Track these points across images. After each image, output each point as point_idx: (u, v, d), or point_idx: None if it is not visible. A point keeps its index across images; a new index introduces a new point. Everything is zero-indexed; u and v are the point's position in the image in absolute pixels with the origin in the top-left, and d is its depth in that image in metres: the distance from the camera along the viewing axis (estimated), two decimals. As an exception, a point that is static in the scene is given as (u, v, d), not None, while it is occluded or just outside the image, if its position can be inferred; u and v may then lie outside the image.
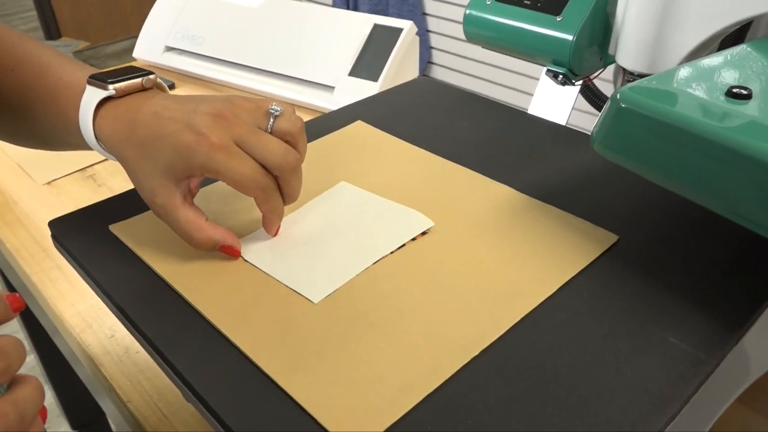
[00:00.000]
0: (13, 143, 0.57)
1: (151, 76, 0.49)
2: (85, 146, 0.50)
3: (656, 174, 0.41)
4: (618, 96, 0.43)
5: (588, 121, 0.96)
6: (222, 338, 0.39)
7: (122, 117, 0.46)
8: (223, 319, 0.40)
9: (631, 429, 0.32)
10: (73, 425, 1.42)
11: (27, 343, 1.32)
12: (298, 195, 0.47)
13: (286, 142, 0.45)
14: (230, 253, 0.45)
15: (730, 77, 0.44)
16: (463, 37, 0.69)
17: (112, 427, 0.70)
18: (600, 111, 0.82)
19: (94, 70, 0.50)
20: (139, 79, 0.48)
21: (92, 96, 0.47)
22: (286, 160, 0.44)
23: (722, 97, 0.41)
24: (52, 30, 2.92)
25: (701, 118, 0.39)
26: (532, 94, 0.85)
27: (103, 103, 0.47)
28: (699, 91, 0.42)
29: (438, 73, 2.28)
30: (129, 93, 0.48)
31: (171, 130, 0.44)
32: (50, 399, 1.40)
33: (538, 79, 0.88)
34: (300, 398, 0.35)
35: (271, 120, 0.45)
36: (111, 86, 0.47)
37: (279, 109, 0.45)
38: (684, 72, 0.45)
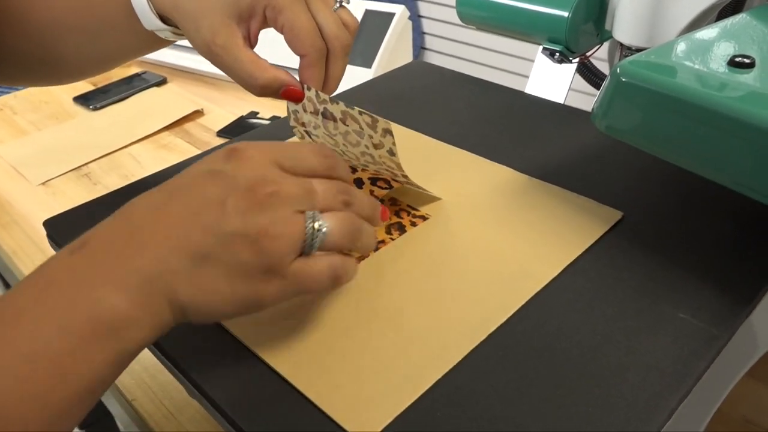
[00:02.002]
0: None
1: None
2: (134, 34, 0.48)
3: (660, 148, 0.41)
4: (618, 70, 0.42)
5: (584, 100, 0.95)
6: (225, 333, 0.38)
7: None
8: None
9: (645, 407, 0.32)
10: (79, 425, 1.41)
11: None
12: (337, 85, 0.46)
13: None
14: (294, 96, 0.43)
15: (731, 47, 0.43)
16: (456, 21, 0.68)
17: (119, 425, 0.69)
18: (597, 89, 0.81)
19: None
20: None
21: None
22: (344, 34, 0.44)
23: (724, 67, 0.40)
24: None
25: (704, 89, 0.38)
26: (527, 77, 0.85)
27: None
28: (700, 62, 0.41)
29: (432, 59, 2.26)
30: None
31: None
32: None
33: (533, 61, 0.87)
34: (306, 390, 0.34)
35: (337, 4, 0.44)
36: None
37: (347, 2, 0.44)
38: (684, 44, 0.44)
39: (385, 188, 0.45)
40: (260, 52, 0.45)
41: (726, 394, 0.46)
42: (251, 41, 0.45)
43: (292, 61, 0.45)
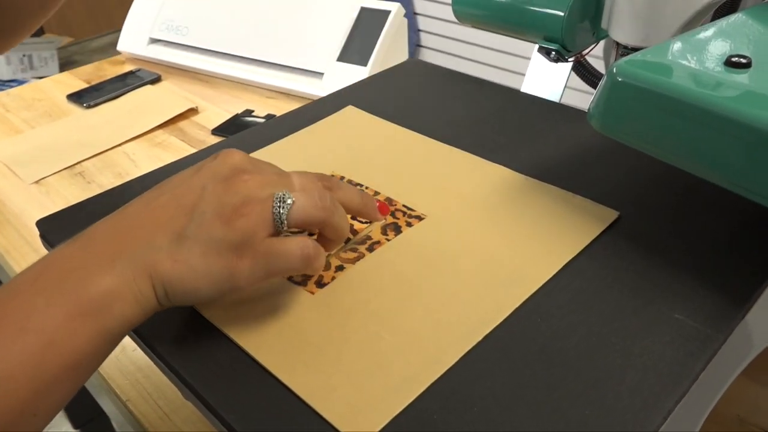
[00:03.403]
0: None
1: None
2: None
3: (656, 148, 0.40)
4: (614, 70, 0.42)
5: (580, 99, 0.94)
6: (218, 333, 0.38)
7: None
8: (218, 314, 0.39)
9: (642, 409, 0.32)
10: (74, 424, 1.41)
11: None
12: None
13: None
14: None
15: (727, 46, 0.42)
16: (451, 18, 0.68)
17: (114, 425, 0.69)
18: (593, 87, 0.81)
19: None
20: None
21: None
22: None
23: (721, 67, 0.40)
24: (34, 27, 2.88)
25: (701, 89, 0.38)
26: (523, 74, 0.84)
27: None
28: (697, 62, 0.41)
29: (427, 57, 2.25)
30: None
31: None
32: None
33: (528, 59, 0.87)
34: (301, 392, 0.34)
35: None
36: None
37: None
38: (680, 43, 0.44)
39: (365, 223, 0.45)
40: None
41: (721, 393, 0.46)
42: None
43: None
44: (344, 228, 0.39)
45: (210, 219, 0.34)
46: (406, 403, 0.33)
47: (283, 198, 0.36)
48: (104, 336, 0.33)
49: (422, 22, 2.31)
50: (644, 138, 0.41)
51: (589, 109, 0.44)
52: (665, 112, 0.39)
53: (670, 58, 0.42)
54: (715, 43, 0.43)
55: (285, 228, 0.36)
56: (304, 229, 0.40)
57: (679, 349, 0.35)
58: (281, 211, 0.35)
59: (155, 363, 0.39)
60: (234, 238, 0.34)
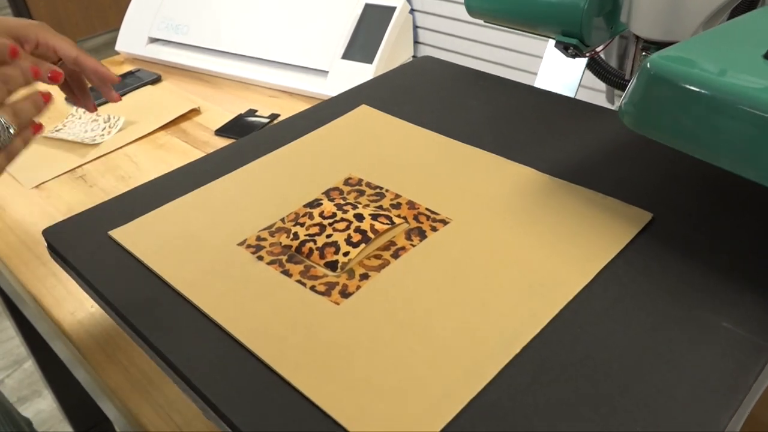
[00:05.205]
0: None
1: None
2: None
3: (692, 145, 0.39)
4: (648, 65, 0.40)
5: (591, 97, 0.92)
6: (240, 347, 0.36)
7: None
8: (239, 326, 0.37)
9: (697, 426, 0.30)
10: (76, 430, 1.39)
11: (24, 350, 1.29)
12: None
13: None
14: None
15: (762, 40, 0.41)
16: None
17: (117, 430, 0.67)
18: (608, 84, 0.79)
19: None
20: None
21: None
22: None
23: (762, 61, 0.38)
24: (28, 27, 2.85)
25: (741, 83, 0.36)
26: (526, 71, 0.82)
27: None
28: (734, 56, 0.39)
29: (426, 53, 2.23)
30: None
31: None
32: (51, 404, 1.37)
33: (532, 56, 0.85)
34: (334, 413, 0.32)
35: None
36: None
37: None
38: (712, 37, 0.42)
39: (387, 224, 0.43)
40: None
41: (758, 397, 0.44)
42: None
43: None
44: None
45: None
46: (444, 424, 0.31)
47: None
48: None
49: (420, 19, 2.29)
50: (679, 134, 0.39)
51: (620, 107, 0.42)
52: (703, 107, 0.37)
53: (705, 52, 0.40)
54: (748, 37, 0.41)
55: None
56: None
57: (730, 361, 0.33)
58: None
59: (174, 381, 0.37)
60: None
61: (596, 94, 0.90)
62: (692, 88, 0.37)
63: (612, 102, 0.85)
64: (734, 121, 0.36)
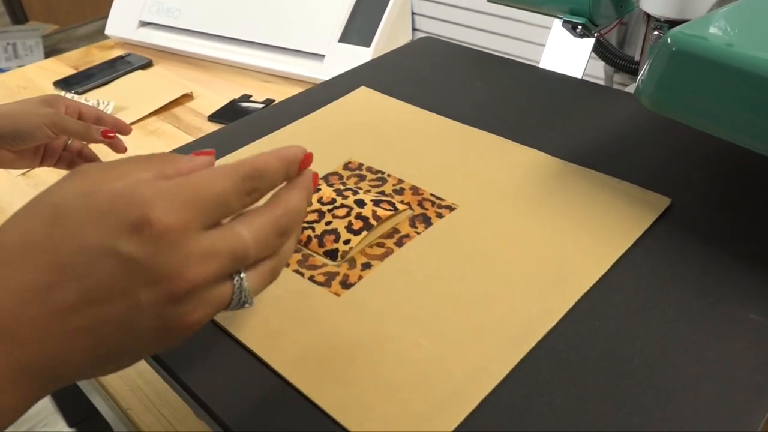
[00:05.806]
0: None
1: None
2: None
3: (716, 124, 0.36)
4: (669, 40, 0.37)
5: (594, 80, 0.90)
6: (236, 344, 0.34)
7: None
8: (233, 320, 0.34)
9: (728, 429, 0.27)
10: (69, 423, 1.37)
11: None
12: None
13: None
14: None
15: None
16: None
17: (109, 422, 0.65)
18: (613, 66, 0.76)
19: None
20: None
21: None
22: None
23: (790, 36, 0.35)
24: (18, 13, 2.80)
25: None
26: (525, 58, 0.80)
27: None
28: (758, 30, 0.37)
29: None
30: None
31: None
32: (45, 398, 1.35)
33: (530, 43, 0.83)
34: (334, 413, 0.29)
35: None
36: None
37: None
38: (732, 12, 0.39)
39: (389, 210, 0.40)
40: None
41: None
42: None
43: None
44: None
45: (150, 333, 0.25)
46: (456, 425, 0.29)
47: (240, 297, 0.27)
48: None
49: (416, 5, 2.25)
50: (704, 113, 0.37)
51: (637, 87, 0.40)
52: (728, 83, 0.35)
53: (727, 26, 0.38)
54: (770, 11, 0.39)
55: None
56: None
57: (759, 355, 0.31)
58: (241, 301, 0.27)
59: (171, 386, 0.34)
60: (176, 337, 0.26)
61: (595, 81, 0.87)
62: (719, 61, 0.35)
63: (614, 87, 0.82)
64: (761, 97, 0.34)
